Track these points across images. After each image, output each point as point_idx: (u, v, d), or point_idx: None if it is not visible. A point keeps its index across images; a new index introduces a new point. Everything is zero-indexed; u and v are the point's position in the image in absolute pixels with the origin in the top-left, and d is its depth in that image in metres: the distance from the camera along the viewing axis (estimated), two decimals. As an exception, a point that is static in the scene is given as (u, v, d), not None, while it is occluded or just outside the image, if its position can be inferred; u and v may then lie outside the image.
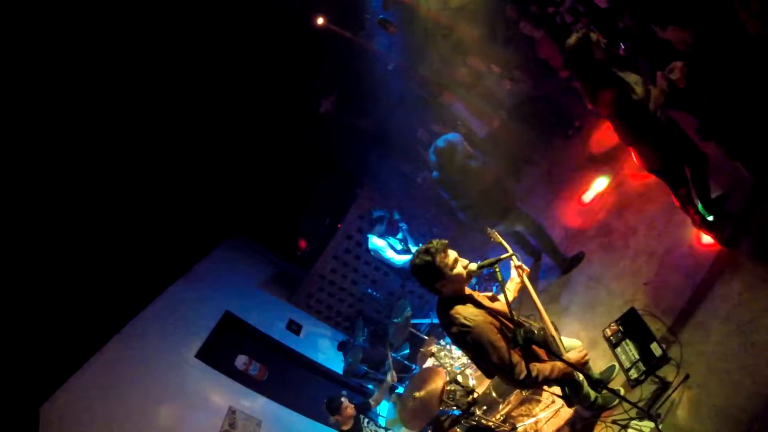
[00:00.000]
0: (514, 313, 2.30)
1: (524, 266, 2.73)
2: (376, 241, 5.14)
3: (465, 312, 2.35)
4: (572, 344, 2.80)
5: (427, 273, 2.38)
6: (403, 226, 5.54)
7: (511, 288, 2.71)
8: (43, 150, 4.49)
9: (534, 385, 2.34)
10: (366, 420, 4.24)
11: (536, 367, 2.30)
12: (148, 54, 5.47)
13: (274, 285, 7.30)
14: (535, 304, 2.69)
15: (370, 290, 6.14)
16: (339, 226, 6.71)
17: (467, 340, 2.32)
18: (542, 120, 6.09)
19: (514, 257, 2.62)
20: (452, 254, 2.43)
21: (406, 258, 5.08)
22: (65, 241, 4.48)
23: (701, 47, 2.50)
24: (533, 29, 5.17)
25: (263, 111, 7.22)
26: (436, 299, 2.56)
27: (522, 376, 2.25)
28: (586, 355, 2.51)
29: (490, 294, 2.60)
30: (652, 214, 3.92)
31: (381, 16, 6.38)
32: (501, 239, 2.92)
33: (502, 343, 2.29)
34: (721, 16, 2.36)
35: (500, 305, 2.53)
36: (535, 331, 2.43)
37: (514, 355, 2.28)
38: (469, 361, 3.81)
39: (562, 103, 5.84)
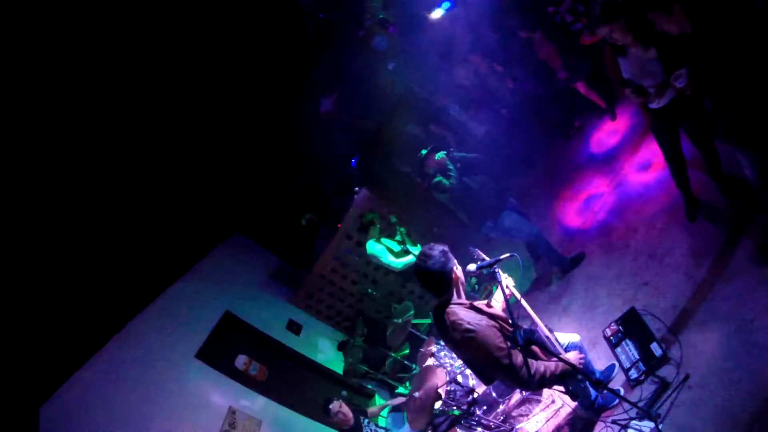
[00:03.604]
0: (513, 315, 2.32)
1: (508, 276, 2.76)
2: (374, 247, 5.14)
3: (468, 317, 2.35)
4: (570, 338, 2.81)
5: (437, 277, 2.42)
6: (402, 229, 5.53)
7: (499, 299, 2.73)
8: (43, 149, 4.49)
9: (539, 384, 2.34)
10: (366, 420, 4.24)
11: (543, 365, 2.32)
12: (150, 53, 5.47)
13: (274, 285, 7.30)
14: (525, 309, 2.71)
15: None
16: (339, 225, 6.71)
17: (472, 345, 2.32)
18: (542, 120, 6.09)
19: (498, 269, 2.63)
20: (454, 259, 2.48)
21: (405, 260, 5.06)
22: (65, 241, 4.48)
23: (702, 37, 2.49)
24: (531, 32, 5.18)
25: (264, 111, 7.22)
26: (435, 305, 2.57)
27: (528, 376, 2.26)
28: (583, 358, 2.55)
29: (485, 301, 2.61)
30: (652, 214, 3.93)
31: (381, 16, 6.38)
32: (485, 256, 2.87)
33: (505, 345, 2.29)
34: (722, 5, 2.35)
35: (496, 311, 2.54)
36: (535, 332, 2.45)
37: (518, 357, 2.28)
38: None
39: (563, 103, 5.84)
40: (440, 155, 4.70)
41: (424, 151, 4.79)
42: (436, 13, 6.20)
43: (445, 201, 4.63)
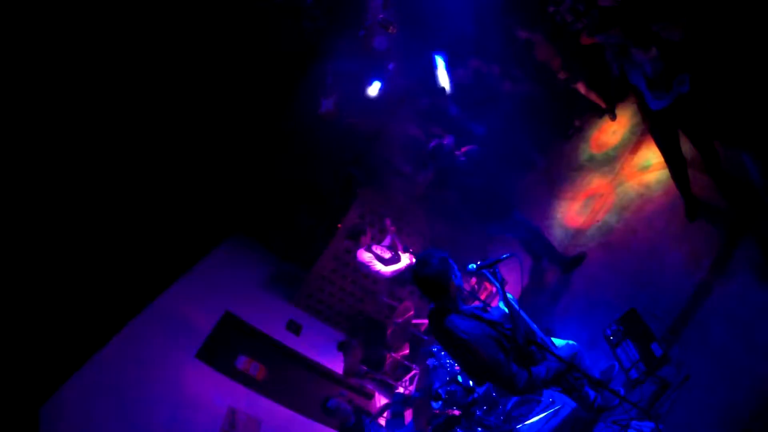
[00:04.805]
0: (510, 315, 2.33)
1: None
2: (362, 256, 5.05)
3: (463, 325, 2.34)
4: (567, 343, 2.82)
5: (433, 285, 2.40)
6: (394, 235, 5.48)
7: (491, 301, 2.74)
8: (43, 149, 4.49)
9: (534, 390, 2.35)
10: (368, 419, 4.24)
11: (534, 371, 2.32)
12: (150, 53, 5.47)
13: (274, 285, 7.30)
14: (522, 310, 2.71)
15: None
16: (339, 225, 6.71)
17: (466, 353, 2.32)
18: (542, 120, 6.09)
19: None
20: (453, 265, 2.47)
21: (396, 267, 5.01)
22: (65, 240, 4.48)
23: (705, 42, 2.51)
24: (530, 33, 5.18)
25: (264, 110, 7.22)
26: (430, 309, 2.57)
27: (522, 384, 2.26)
28: (575, 354, 2.58)
29: (481, 306, 2.61)
30: (652, 214, 3.93)
31: (381, 16, 6.38)
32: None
33: (500, 355, 2.29)
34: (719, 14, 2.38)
35: (494, 316, 2.54)
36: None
37: (512, 365, 2.29)
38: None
39: (563, 103, 5.84)
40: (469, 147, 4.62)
41: (445, 142, 4.65)
42: (373, 89, 6.60)
43: (463, 193, 4.50)
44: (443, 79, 6.27)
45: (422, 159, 4.75)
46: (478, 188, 4.44)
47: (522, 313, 2.62)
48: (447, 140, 4.59)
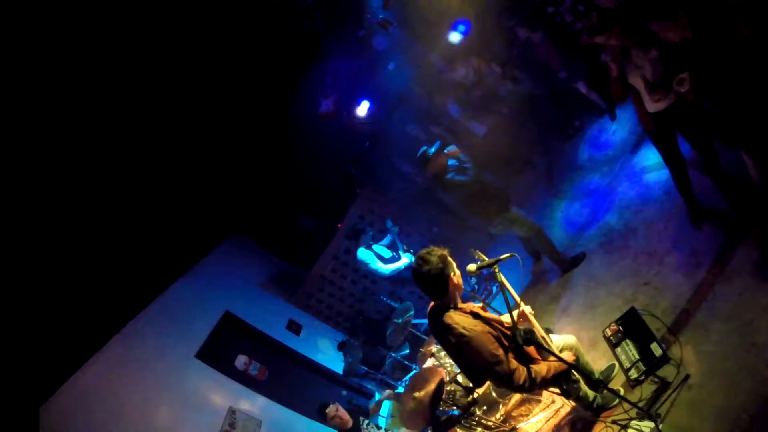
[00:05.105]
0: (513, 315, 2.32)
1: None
2: (363, 254, 5.09)
3: (463, 322, 2.35)
4: (566, 340, 2.82)
5: (433, 282, 2.41)
6: (395, 229, 5.46)
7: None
8: (43, 149, 4.49)
9: (533, 388, 2.35)
10: (366, 422, 4.23)
11: (534, 370, 2.32)
12: (150, 53, 5.47)
13: (274, 285, 7.30)
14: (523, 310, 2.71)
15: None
16: (339, 226, 6.71)
17: (466, 350, 2.32)
18: (542, 120, 6.09)
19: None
20: (453, 263, 2.48)
21: (394, 266, 5.00)
22: (65, 241, 4.48)
23: (703, 46, 2.51)
24: (530, 33, 5.17)
25: (263, 110, 7.22)
26: (430, 307, 2.57)
27: (521, 381, 2.27)
28: (576, 356, 2.64)
29: (481, 305, 2.62)
30: (652, 214, 3.93)
31: (381, 16, 6.37)
32: (485, 257, 2.77)
33: (500, 352, 2.30)
34: (718, 19, 2.38)
35: (493, 315, 2.55)
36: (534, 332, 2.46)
37: (512, 362, 2.29)
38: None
39: (563, 103, 5.84)
40: (451, 148, 4.44)
41: (432, 149, 4.34)
42: (361, 109, 6.50)
43: (459, 196, 4.41)
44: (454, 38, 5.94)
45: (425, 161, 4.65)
46: (475, 187, 4.41)
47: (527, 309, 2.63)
48: (434, 147, 4.52)
